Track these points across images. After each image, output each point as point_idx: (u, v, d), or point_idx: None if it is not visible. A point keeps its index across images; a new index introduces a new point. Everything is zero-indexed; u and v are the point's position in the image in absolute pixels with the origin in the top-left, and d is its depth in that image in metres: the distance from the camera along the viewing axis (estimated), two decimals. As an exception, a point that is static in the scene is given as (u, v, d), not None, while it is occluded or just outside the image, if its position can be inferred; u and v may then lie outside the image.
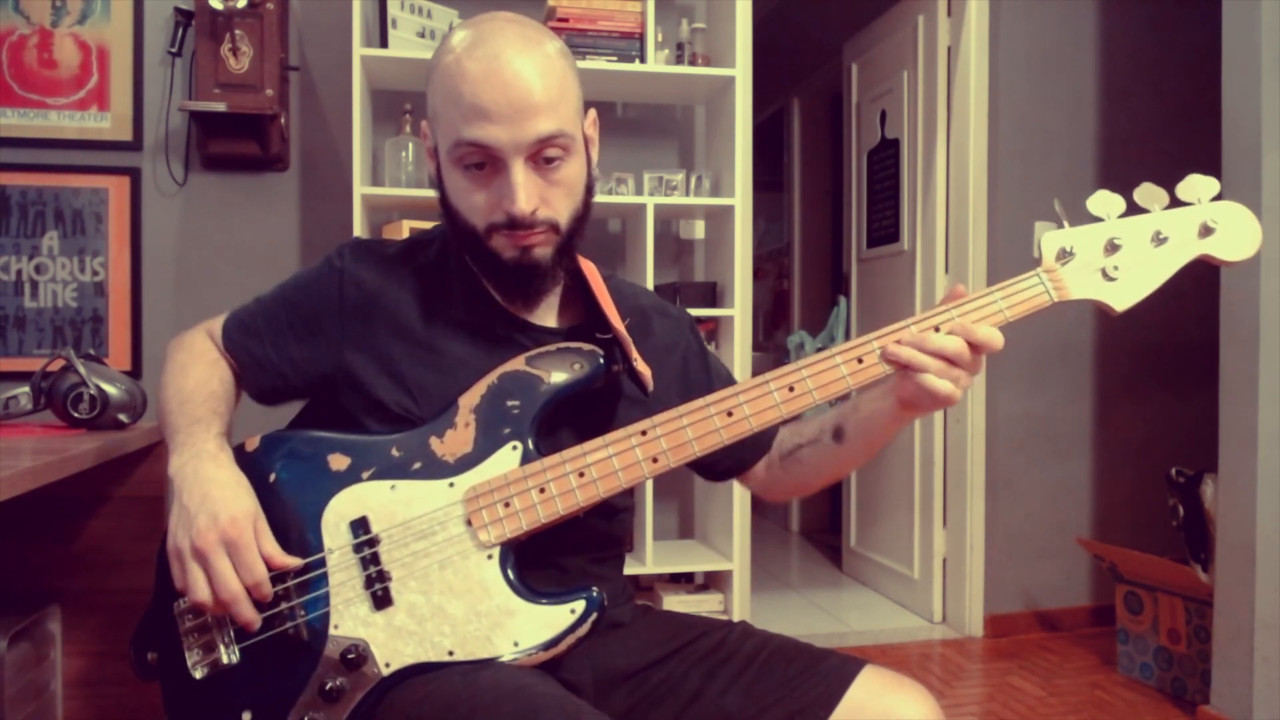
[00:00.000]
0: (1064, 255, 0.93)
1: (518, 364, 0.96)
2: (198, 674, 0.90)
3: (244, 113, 2.37)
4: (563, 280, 1.02)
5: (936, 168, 3.08)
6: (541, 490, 0.91)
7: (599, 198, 2.59)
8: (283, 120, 2.52)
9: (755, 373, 3.48)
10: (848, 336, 3.65)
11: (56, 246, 2.52)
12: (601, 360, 0.96)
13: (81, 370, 1.41)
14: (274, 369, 1.02)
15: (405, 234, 2.19)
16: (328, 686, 0.87)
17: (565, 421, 0.99)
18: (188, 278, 2.60)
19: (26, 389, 1.44)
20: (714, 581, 2.81)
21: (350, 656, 0.88)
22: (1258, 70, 2.06)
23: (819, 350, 3.83)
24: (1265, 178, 2.04)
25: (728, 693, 0.98)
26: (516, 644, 0.88)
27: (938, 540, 3.08)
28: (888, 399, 0.96)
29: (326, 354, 0.99)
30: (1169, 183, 0.96)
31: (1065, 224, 0.94)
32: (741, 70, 2.62)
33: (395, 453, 0.93)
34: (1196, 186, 0.93)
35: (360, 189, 2.35)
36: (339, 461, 0.94)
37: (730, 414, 0.92)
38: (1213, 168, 2.21)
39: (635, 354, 0.98)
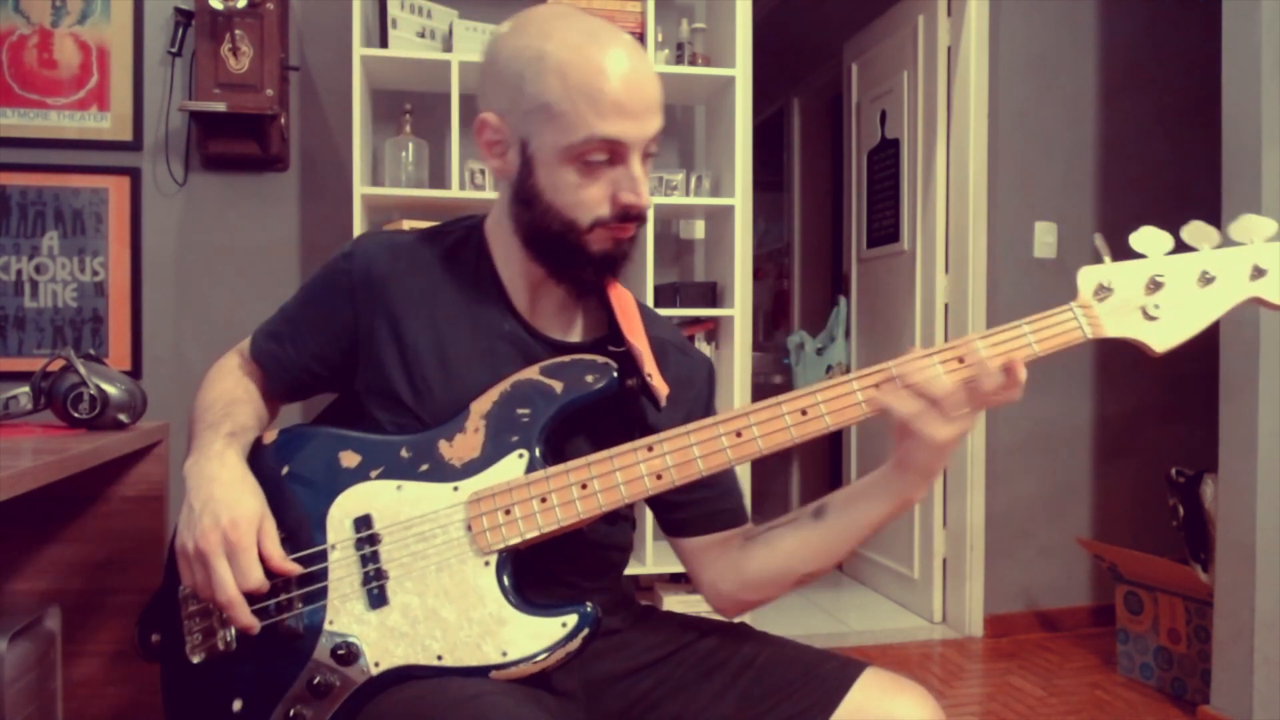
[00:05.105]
0: (1102, 291, 0.90)
1: (531, 373, 0.95)
2: (195, 658, 0.92)
3: (244, 113, 2.37)
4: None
5: (936, 168, 3.08)
6: (543, 500, 0.90)
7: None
8: (283, 120, 2.52)
9: (756, 373, 3.44)
10: (848, 336, 3.65)
11: (56, 246, 2.52)
12: (615, 374, 0.95)
13: (81, 370, 1.41)
14: (294, 365, 1.04)
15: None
16: (316, 681, 0.88)
17: (577, 433, 0.98)
18: (188, 278, 2.60)
19: (26, 389, 1.43)
20: (714, 581, 2.81)
21: (341, 653, 0.88)
22: (1258, 70, 2.06)
23: (819, 351, 3.78)
24: (1265, 178, 2.04)
25: (723, 697, 0.97)
26: (505, 654, 0.87)
27: (938, 540, 3.08)
28: (883, 467, 0.92)
29: (342, 338, 1.00)
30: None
31: (1106, 259, 0.90)
32: (741, 70, 2.62)
33: (404, 453, 0.94)
34: (1250, 226, 0.89)
35: (360, 189, 2.35)
36: (349, 459, 0.94)
37: (739, 434, 0.89)
38: (1213, 168, 2.21)
39: (650, 367, 0.97)
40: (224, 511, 0.87)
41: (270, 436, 0.99)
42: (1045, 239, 2.96)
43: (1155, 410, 3.03)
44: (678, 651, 1.02)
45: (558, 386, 0.94)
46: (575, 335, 1.04)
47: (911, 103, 3.23)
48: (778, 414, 0.89)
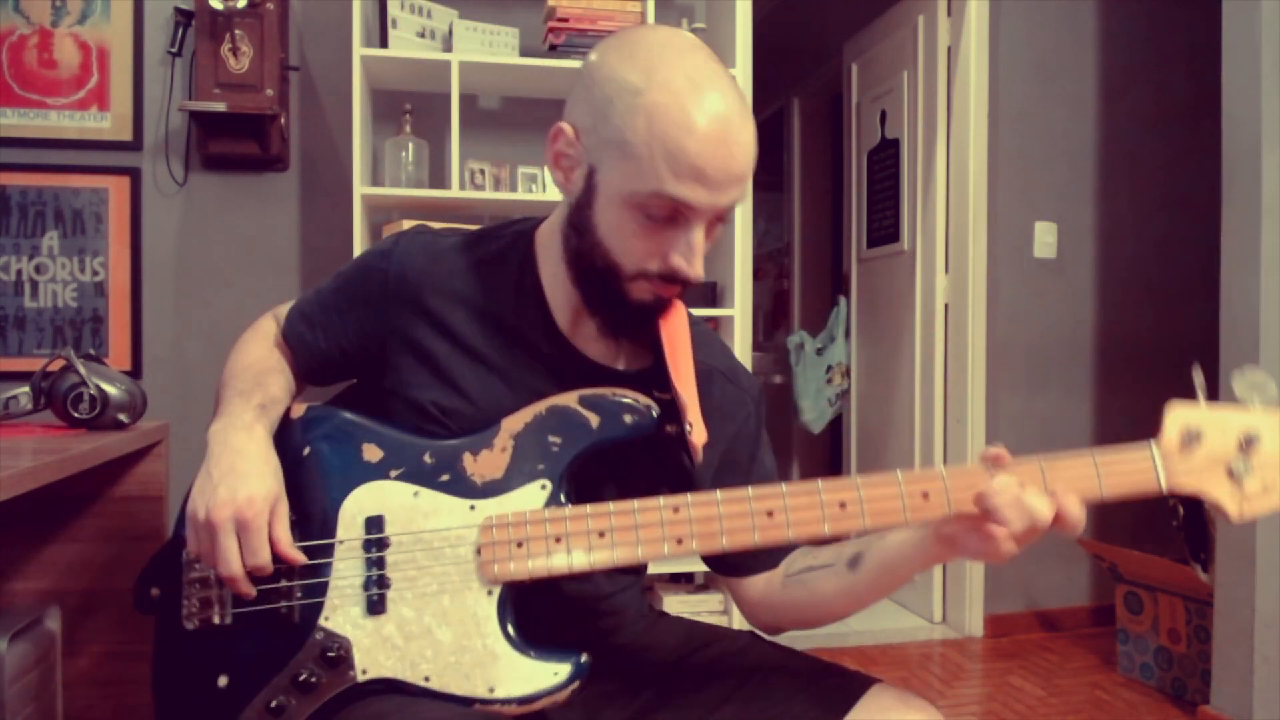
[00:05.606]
0: (1189, 439, 0.80)
1: (569, 400, 0.91)
2: (189, 625, 0.90)
3: (244, 113, 2.37)
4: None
5: (936, 168, 3.08)
6: (557, 540, 0.86)
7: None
8: (283, 120, 2.52)
9: (756, 373, 3.47)
10: (848, 336, 3.65)
11: (56, 246, 2.52)
12: (655, 417, 0.91)
13: (81, 370, 1.41)
14: (319, 352, 1.01)
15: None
16: (301, 677, 0.87)
17: (606, 469, 0.94)
18: (188, 278, 2.60)
19: (26, 389, 1.43)
20: (714, 581, 2.81)
21: (330, 654, 0.87)
22: (1258, 70, 2.06)
23: (819, 351, 3.76)
24: (1265, 178, 2.04)
25: (723, 705, 0.95)
26: (492, 690, 0.85)
27: (938, 540, 3.07)
28: (922, 530, 0.88)
29: (371, 337, 0.98)
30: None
31: (1201, 398, 0.81)
32: (741, 70, 2.62)
33: (427, 459, 0.91)
34: None
35: (360, 189, 2.35)
36: (372, 453, 0.92)
37: (770, 514, 0.85)
38: (1213, 168, 2.21)
39: (694, 416, 0.91)
40: (242, 486, 0.85)
41: (298, 411, 0.96)
42: (1045, 239, 2.96)
43: (1155, 410, 3.02)
44: (682, 660, 1.01)
45: (594, 420, 0.90)
46: (619, 361, 0.99)
47: (911, 103, 3.23)
48: (815, 501, 0.84)
